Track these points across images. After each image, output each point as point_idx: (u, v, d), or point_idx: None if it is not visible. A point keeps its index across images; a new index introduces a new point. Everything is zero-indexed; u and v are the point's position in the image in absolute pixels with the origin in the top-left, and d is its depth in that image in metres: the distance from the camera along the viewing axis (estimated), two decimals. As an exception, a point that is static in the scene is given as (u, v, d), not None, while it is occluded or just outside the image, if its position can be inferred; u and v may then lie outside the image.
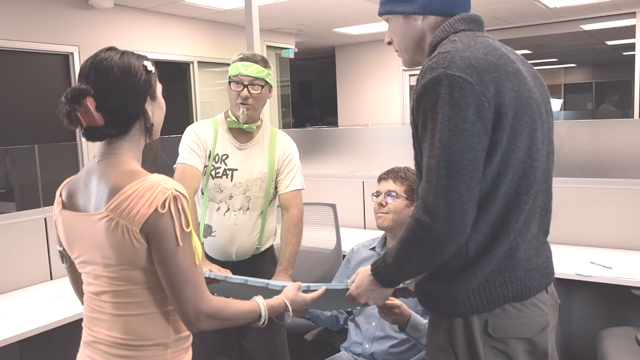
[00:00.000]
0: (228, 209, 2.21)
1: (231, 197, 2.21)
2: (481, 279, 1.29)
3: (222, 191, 2.21)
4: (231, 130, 2.25)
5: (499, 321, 1.30)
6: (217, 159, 2.21)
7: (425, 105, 1.25)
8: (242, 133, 2.25)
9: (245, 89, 2.16)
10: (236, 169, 2.21)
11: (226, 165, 2.21)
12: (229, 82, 2.20)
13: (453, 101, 1.21)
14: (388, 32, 1.51)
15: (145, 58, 1.30)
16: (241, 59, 2.18)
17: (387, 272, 1.39)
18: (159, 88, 1.33)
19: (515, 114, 1.26)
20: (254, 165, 2.23)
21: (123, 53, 1.27)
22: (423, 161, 1.27)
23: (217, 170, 2.20)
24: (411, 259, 1.31)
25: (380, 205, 2.09)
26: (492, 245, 1.28)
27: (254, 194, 2.23)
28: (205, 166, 2.20)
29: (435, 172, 1.21)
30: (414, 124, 1.33)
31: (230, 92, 2.20)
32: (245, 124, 2.21)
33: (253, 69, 2.16)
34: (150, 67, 1.28)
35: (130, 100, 1.24)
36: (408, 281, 1.57)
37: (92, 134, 1.24)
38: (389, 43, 1.51)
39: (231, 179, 2.20)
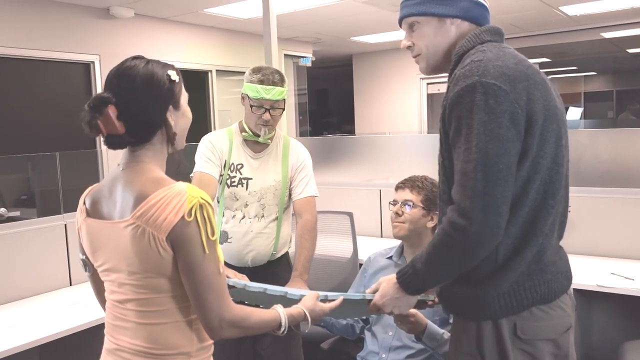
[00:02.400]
0: (244, 217, 2.25)
1: (246, 205, 2.24)
2: (511, 282, 1.32)
3: (237, 199, 2.24)
4: (246, 141, 2.29)
5: (527, 323, 1.33)
6: (232, 168, 2.25)
7: (460, 112, 1.27)
8: (257, 143, 2.29)
9: (267, 113, 2.19)
10: (251, 178, 2.25)
11: (241, 174, 2.25)
12: (251, 106, 2.19)
13: (488, 107, 1.23)
14: (409, 36, 1.49)
15: (170, 67, 1.30)
16: (261, 82, 2.17)
17: (415, 278, 1.40)
18: (184, 97, 1.32)
19: (544, 121, 1.30)
20: (268, 174, 2.27)
21: (148, 62, 1.27)
22: (456, 166, 1.29)
23: (232, 180, 2.24)
24: (444, 262, 1.33)
25: (397, 214, 2.09)
26: (521, 249, 1.31)
27: (269, 201, 2.26)
28: (221, 175, 2.24)
29: (472, 176, 1.24)
30: (444, 130, 1.35)
31: (251, 114, 2.21)
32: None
33: (275, 92, 2.18)
34: (175, 77, 1.28)
35: (151, 110, 1.24)
36: (428, 293, 1.57)
37: (113, 142, 1.24)
38: (409, 47, 1.49)
39: (246, 188, 2.24)
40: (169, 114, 1.27)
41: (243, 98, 2.24)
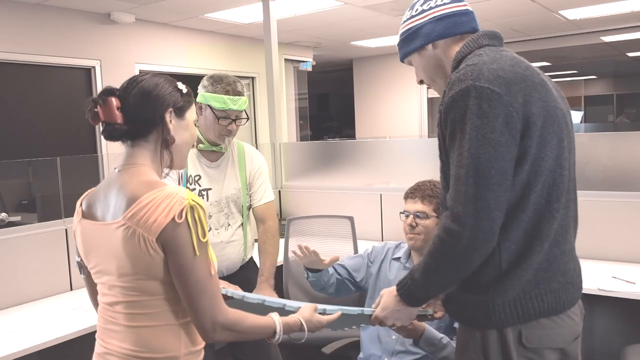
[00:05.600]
0: (210, 229, 2.24)
1: (210, 216, 2.23)
2: (518, 290, 1.30)
3: None
4: (201, 151, 2.26)
5: (533, 331, 1.32)
6: (190, 181, 2.23)
7: (454, 117, 1.28)
8: (212, 152, 2.27)
9: (234, 123, 2.19)
10: (210, 188, 2.24)
11: (200, 186, 2.24)
12: (217, 117, 2.16)
13: (481, 112, 1.23)
14: (415, 73, 1.56)
15: (181, 83, 1.36)
16: (227, 92, 2.15)
17: (415, 288, 1.40)
18: (191, 113, 1.36)
19: (544, 123, 1.29)
20: (227, 182, 2.27)
21: (165, 78, 1.33)
22: (451, 171, 1.29)
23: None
24: (440, 270, 1.33)
25: (411, 226, 2.08)
26: (526, 255, 1.30)
27: (232, 209, 2.27)
28: None
29: (464, 181, 1.24)
30: (441, 135, 1.36)
31: (215, 125, 2.17)
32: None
33: (241, 102, 2.18)
34: (181, 87, 1.33)
35: (150, 104, 1.28)
36: (427, 307, 1.58)
37: (110, 132, 1.28)
38: (421, 82, 1.56)
39: (207, 199, 2.23)
40: (168, 115, 1.30)
41: (201, 108, 2.19)
